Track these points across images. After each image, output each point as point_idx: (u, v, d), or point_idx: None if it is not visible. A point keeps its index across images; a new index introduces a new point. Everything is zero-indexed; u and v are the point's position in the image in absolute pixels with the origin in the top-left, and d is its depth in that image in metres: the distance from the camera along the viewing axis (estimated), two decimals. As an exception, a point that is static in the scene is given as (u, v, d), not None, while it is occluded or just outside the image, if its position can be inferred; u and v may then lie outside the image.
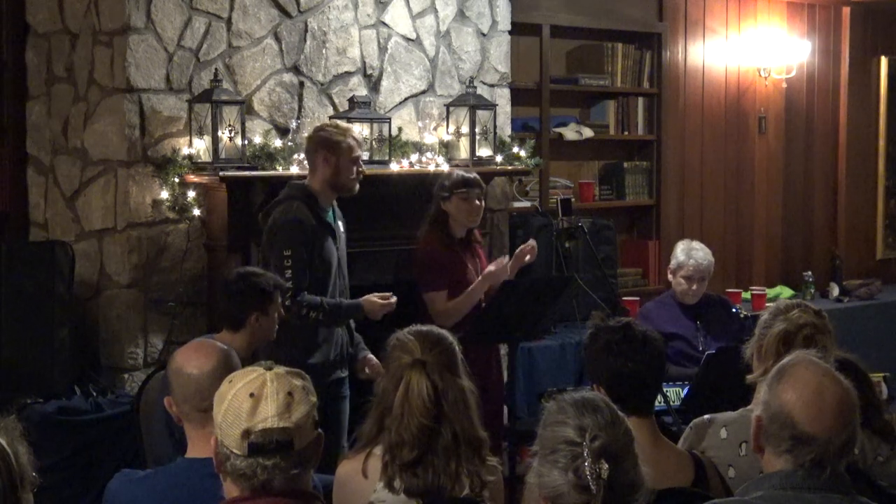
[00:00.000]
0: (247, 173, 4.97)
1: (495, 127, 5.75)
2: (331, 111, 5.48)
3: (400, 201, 5.38)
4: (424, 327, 2.84)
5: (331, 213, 4.57)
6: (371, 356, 4.59)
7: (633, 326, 2.94)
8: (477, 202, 4.87)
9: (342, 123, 4.70)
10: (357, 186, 4.57)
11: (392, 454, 2.66)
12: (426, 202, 5.01)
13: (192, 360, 2.72)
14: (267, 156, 5.11)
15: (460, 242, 4.93)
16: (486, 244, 5.61)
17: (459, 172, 4.98)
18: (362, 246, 5.15)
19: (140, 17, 4.94)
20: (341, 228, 4.63)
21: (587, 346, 2.97)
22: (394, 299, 4.54)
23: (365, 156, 5.20)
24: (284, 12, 5.36)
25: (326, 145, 4.50)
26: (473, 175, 4.96)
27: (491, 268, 4.85)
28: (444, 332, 2.84)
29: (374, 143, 5.35)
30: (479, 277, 4.84)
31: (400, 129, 5.62)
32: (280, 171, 5.07)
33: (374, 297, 4.51)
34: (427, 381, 2.68)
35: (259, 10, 5.28)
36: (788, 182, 8.14)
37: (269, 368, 2.19)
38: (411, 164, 5.53)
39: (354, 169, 4.52)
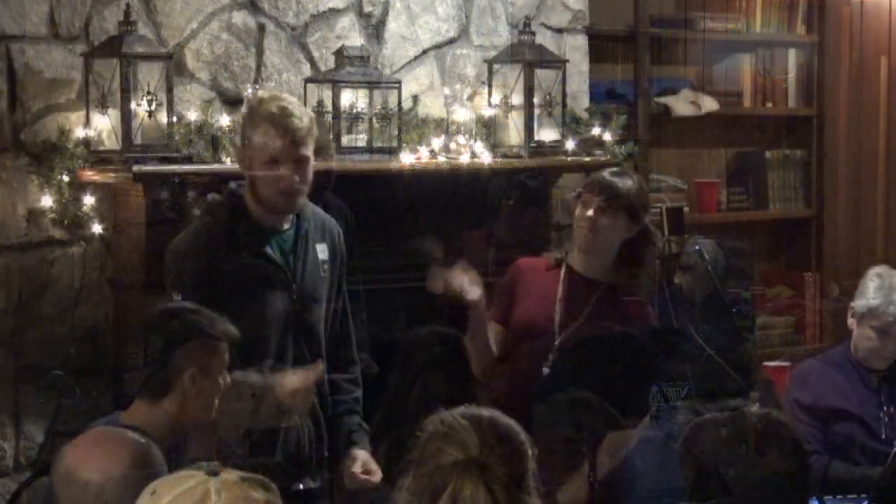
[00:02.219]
0: (175, 167, 5.03)
1: (564, 96, 5.85)
2: (307, 70, 5.57)
3: (417, 212, 5.52)
4: (485, 411, 2.89)
5: (291, 234, 4.52)
6: (358, 452, 4.51)
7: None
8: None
9: (280, 95, 4.60)
10: (289, 202, 4.45)
11: None
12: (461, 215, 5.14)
13: (89, 459, 2.89)
14: (208, 140, 5.18)
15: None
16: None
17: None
18: (355, 282, 5.04)
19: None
20: (320, 256, 4.57)
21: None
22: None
23: (361, 142, 5.37)
24: (235, -86, 5.48)
25: (240, 127, 4.55)
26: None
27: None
28: (515, 423, 2.89)
29: (374, 120, 5.39)
30: None
31: (416, 99, 5.75)
32: (229, 163, 5.10)
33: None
34: (486, 494, 2.71)
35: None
36: None
37: (214, 473, 2.28)
38: (433, 154, 5.56)
39: (274, 179, 4.42)
